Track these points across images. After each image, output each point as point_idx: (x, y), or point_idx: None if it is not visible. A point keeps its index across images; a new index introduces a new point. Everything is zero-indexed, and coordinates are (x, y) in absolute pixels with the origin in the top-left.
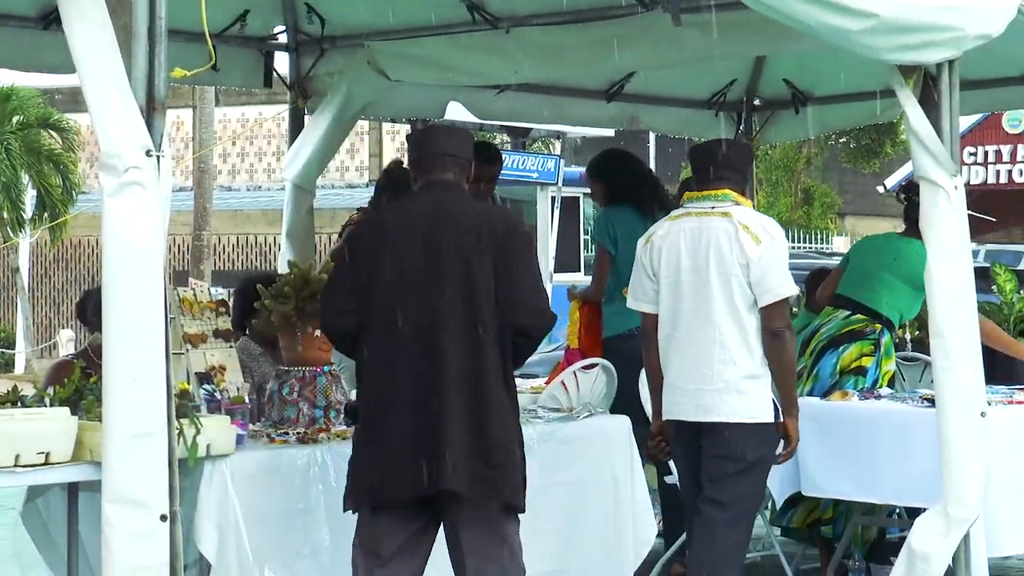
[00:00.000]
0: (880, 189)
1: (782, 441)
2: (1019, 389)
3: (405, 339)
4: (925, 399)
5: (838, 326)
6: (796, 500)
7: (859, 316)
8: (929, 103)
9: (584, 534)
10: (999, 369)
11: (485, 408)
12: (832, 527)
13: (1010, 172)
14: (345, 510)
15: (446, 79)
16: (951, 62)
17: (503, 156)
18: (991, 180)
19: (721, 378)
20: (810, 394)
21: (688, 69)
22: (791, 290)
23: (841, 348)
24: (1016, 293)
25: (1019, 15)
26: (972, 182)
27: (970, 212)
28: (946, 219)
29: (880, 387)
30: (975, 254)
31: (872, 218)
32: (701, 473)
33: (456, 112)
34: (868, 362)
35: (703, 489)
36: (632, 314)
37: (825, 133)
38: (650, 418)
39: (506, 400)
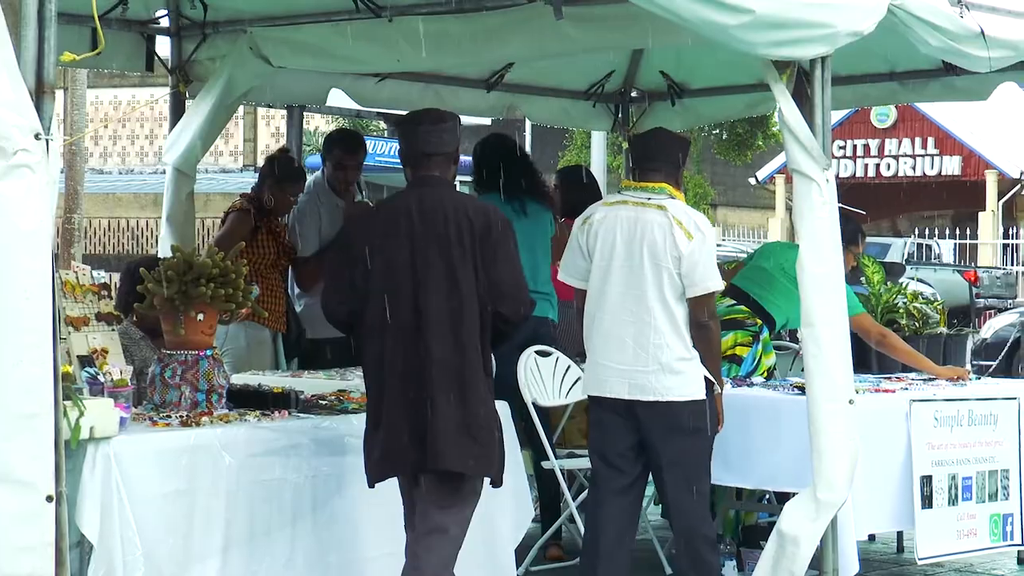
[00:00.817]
0: (752, 181)
1: None
2: (885, 378)
3: (395, 333)
4: (796, 387)
5: (721, 312)
6: None
7: (743, 307)
8: (802, 98)
9: None
10: (867, 358)
11: (469, 399)
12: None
13: (877, 166)
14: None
15: (328, 66)
16: (824, 58)
17: (366, 144)
18: (859, 174)
19: (656, 360)
20: None
21: (567, 60)
22: (718, 285)
23: None
24: (883, 284)
25: (889, 14)
26: (841, 175)
27: (841, 205)
28: (817, 211)
29: (755, 377)
30: None
31: (744, 210)
32: (656, 453)
33: (337, 99)
34: (743, 352)
35: (656, 470)
36: None
37: (700, 125)
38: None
39: (486, 388)
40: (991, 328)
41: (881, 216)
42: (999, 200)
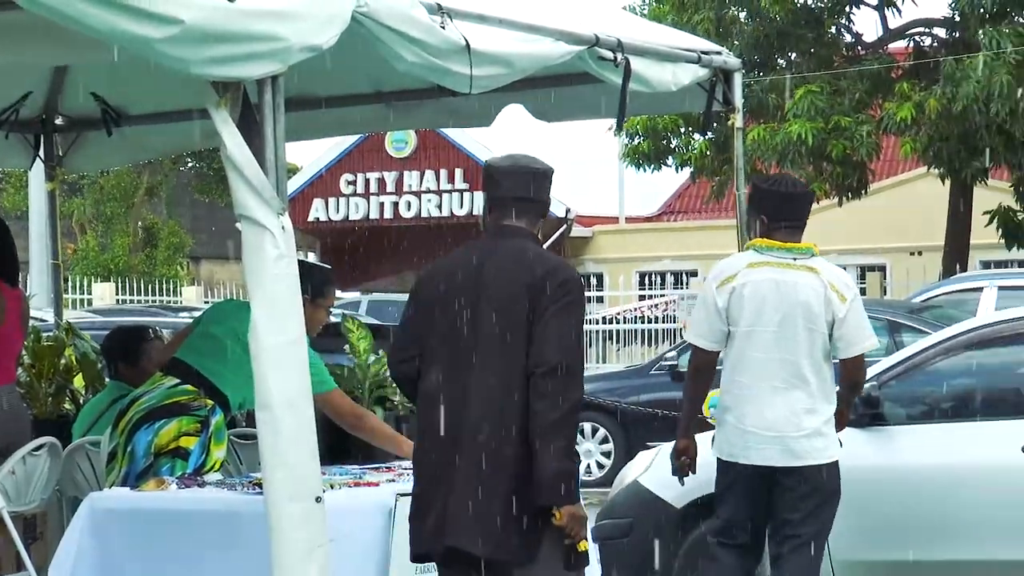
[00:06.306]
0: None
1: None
2: (373, 469)
3: (441, 390)
4: (257, 484)
5: (161, 396)
6: None
7: (189, 387)
8: (252, 127)
9: None
10: (355, 447)
11: (494, 480)
12: None
13: (396, 205)
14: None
15: None
16: (275, 78)
17: None
18: (374, 215)
19: (808, 425)
20: (124, 479)
21: None
22: (875, 343)
23: (159, 423)
24: (373, 353)
25: (356, 23)
26: (351, 217)
27: (301, 259)
28: (272, 267)
29: (207, 473)
30: (356, 306)
31: (236, 263)
32: (781, 512)
33: None
34: (191, 443)
35: (785, 527)
36: None
37: (147, 159)
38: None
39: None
40: None
41: (403, 267)
42: (544, 244)
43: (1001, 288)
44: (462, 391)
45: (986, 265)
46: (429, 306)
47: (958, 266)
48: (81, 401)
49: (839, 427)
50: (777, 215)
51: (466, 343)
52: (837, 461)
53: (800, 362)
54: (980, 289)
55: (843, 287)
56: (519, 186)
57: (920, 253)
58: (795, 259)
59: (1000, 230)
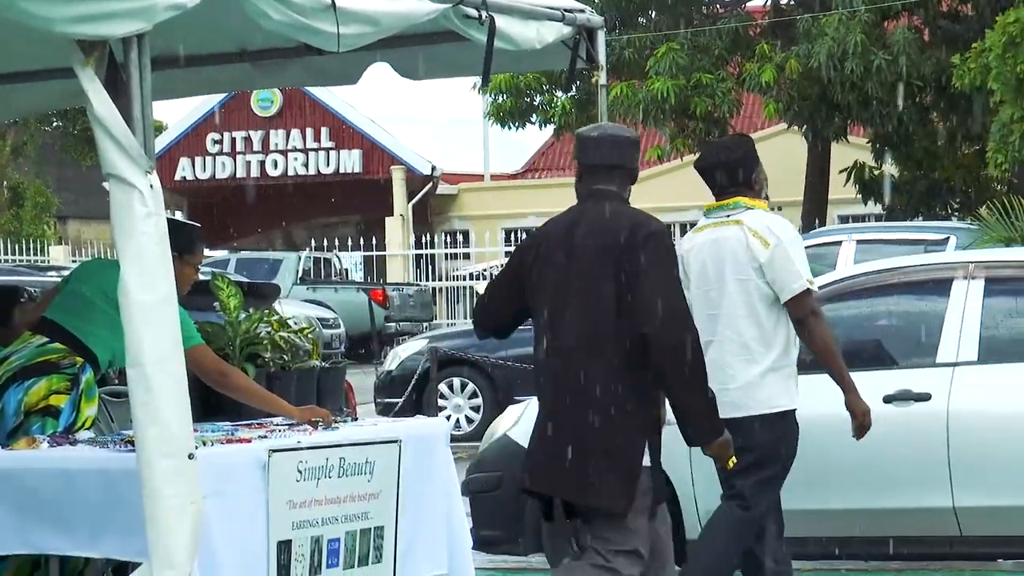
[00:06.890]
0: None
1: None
2: (245, 425)
3: (544, 348)
4: (128, 442)
5: (30, 355)
6: None
7: (58, 346)
8: (118, 86)
9: None
10: (227, 405)
11: (584, 423)
12: None
13: (263, 163)
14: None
15: None
16: (140, 37)
17: None
18: (240, 173)
19: (744, 377)
20: None
21: None
22: (805, 284)
23: (29, 382)
24: (243, 311)
25: None
26: (219, 176)
27: (170, 217)
28: (141, 225)
29: (78, 431)
30: (225, 264)
31: (103, 222)
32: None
33: None
34: (61, 401)
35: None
36: None
37: (11, 119)
38: None
39: (615, 415)
40: (397, 358)
41: (271, 225)
42: (409, 202)
43: (859, 242)
44: (559, 343)
45: (844, 219)
46: (529, 265)
47: (817, 221)
48: None
49: (845, 391)
50: (713, 184)
51: (561, 297)
52: (784, 412)
53: (736, 313)
54: (839, 243)
55: (765, 232)
56: (609, 154)
57: (780, 208)
58: (728, 215)
59: (857, 186)
